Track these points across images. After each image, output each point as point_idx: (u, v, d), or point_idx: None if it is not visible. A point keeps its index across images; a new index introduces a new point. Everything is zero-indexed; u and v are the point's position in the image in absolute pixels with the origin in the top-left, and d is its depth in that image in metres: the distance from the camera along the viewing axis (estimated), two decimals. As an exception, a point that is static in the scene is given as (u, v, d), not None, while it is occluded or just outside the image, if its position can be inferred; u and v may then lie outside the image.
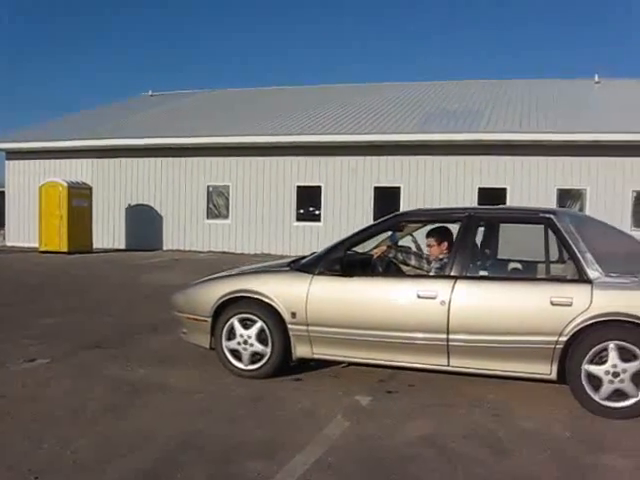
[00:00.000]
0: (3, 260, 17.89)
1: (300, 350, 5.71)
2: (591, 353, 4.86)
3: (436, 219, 6.41)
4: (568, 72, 45.95)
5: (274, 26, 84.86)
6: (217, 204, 20.84)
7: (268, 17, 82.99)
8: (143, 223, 21.15)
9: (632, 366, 4.75)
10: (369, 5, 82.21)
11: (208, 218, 20.76)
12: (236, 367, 5.85)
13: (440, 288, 5.29)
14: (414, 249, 6.63)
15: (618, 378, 4.78)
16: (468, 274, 5.40)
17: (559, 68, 72.60)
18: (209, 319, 5.94)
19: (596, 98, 21.55)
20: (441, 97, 22.88)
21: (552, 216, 5.43)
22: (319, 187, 19.49)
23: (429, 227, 6.45)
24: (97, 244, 20.60)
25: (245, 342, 5.79)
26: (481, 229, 6.06)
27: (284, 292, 5.73)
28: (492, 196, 17.61)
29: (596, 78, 24.23)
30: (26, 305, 9.70)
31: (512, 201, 17.54)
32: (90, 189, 20.53)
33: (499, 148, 17.67)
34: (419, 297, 5.31)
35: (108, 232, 21.59)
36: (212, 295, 5.99)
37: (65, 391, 5.39)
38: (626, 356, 4.77)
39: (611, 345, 4.80)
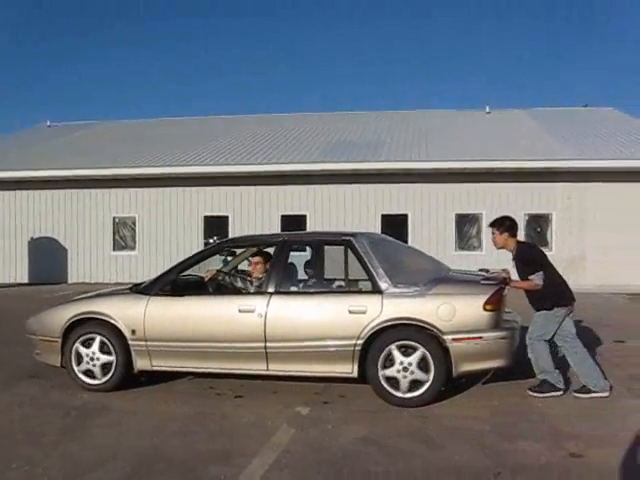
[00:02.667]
0: None
1: (140, 363, 6.38)
2: (382, 358, 5.75)
3: (256, 244, 7.43)
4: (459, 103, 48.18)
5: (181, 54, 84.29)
6: (123, 235, 20.77)
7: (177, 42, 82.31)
8: (47, 256, 20.75)
9: (414, 357, 5.69)
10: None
11: (114, 250, 20.63)
12: (88, 384, 6.43)
13: (258, 303, 6.08)
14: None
15: (408, 371, 5.70)
16: (281, 290, 6.21)
17: (451, 100, 75.70)
18: (59, 340, 6.53)
19: (486, 128, 22.95)
20: (342, 127, 23.73)
21: (351, 238, 6.36)
22: (226, 217, 19.82)
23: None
24: (-1, 279, 20.14)
25: (92, 359, 6.39)
26: (294, 252, 6.87)
27: (124, 312, 6.38)
28: (395, 222, 18.58)
29: (487, 109, 25.82)
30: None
31: (413, 226, 18.50)
32: (-9, 222, 20.07)
33: (400, 176, 18.58)
34: (240, 311, 6.07)
35: (10, 266, 21.08)
36: (61, 318, 6.59)
37: (18, 417, 5.62)
38: (408, 351, 5.71)
39: (393, 347, 5.73)
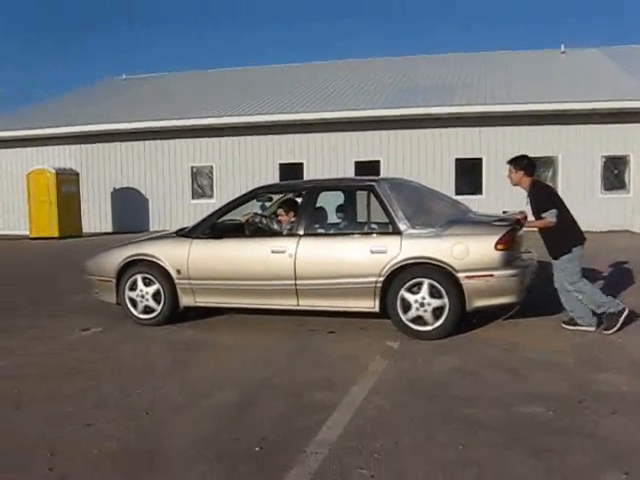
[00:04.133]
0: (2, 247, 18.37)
1: (185, 299, 7.04)
2: (407, 285, 6.17)
3: (287, 190, 8.07)
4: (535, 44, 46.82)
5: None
6: (201, 184, 21.39)
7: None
8: (129, 206, 21.63)
9: (436, 302, 6.09)
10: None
11: (193, 198, 21.30)
12: (140, 318, 7.16)
13: (288, 244, 6.59)
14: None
15: (423, 308, 6.11)
16: (310, 232, 6.72)
17: (527, 40, 73.58)
18: (114, 279, 7.21)
19: (562, 68, 22.46)
20: (413, 72, 23.59)
21: (374, 183, 6.77)
22: (301, 164, 20.15)
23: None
24: (85, 229, 21.07)
25: (142, 296, 7.11)
26: (322, 196, 7.19)
27: (170, 254, 7.04)
28: (468, 166, 18.59)
29: (562, 48, 25.17)
30: (49, 284, 10.35)
31: (487, 170, 18.46)
32: (77, 175, 20.94)
33: (473, 120, 18.50)
34: (272, 252, 6.61)
35: (95, 216, 22.05)
36: (115, 260, 7.28)
37: (131, 352, 6.17)
38: (435, 294, 6.10)
39: (425, 282, 6.12)
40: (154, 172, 21.61)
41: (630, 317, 6.32)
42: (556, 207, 6.28)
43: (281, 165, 20.31)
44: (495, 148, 18.38)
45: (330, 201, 7.61)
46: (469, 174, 18.75)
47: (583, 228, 6.45)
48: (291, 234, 6.77)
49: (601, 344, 5.91)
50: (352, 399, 4.56)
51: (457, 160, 18.87)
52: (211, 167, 21.11)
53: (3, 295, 9.52)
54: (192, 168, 21.31)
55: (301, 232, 6.67)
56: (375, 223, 7.01)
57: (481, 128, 18.63)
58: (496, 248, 6.02)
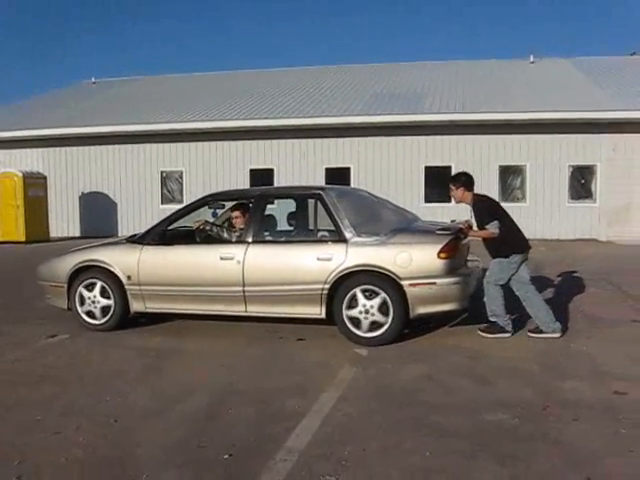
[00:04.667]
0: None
1: (136, 305, 7.14)
2: (346, 300, 6.33)
3: (237, 197, 8.10)
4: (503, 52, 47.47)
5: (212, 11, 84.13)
6: (171, 189, 21.30)
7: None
8: (98, 210, 21.43)
9: (376, 301, 6.25)
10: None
11: (163, 203, 21.16)
12: (90, 323, 7.23)
13: (237, 251, 6.71)
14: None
15: (369, 313, 6.26)
16: (258, 239, 6.81)
17: (495, 49, 74.67)
18: (65, 285, 7.28)
19: (531, 78, 22.78)
20: (385, 80, 23.75)
21: (321, 192, 6.92)
22: (271, 169, 20.15)
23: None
24: (53, 233, 20.83)
25: (93, 302, 7.18)
26: (270, 205, 7.42)
27: (121, 260, 7.12)
28: (438, 174, 18.74)
29: (531, 58, 25.53)
30: (15, 290, 10.24)
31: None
32: (45, 178, 20.68)
33: (443, 128, 18.69)
34: (221, 259, 6.71)
35: (63, 221, 21.82)
36: (67, 265, 7.35)
37: (100, 359, 6.14)
38: (371, 296, 6.27)
39: (358, 290, 6.29)
40: (123, 176, 21.47)
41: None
42: (499, 218, 6.50)
43: (252, 171, 20.30)
44: (464, 156, 18.59)
45: (282, 209, 7.81)
46: (438, 182, 18.91)
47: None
48: (240, 241, 6.89)
49: (566, 352, 6.02)
50: (321, 406, 4.60)
51: (426, 168, 19.04)
52: (181, 172, 21.03)
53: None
54: (162, 173, 21.21)
55: (249, 239, 6.78)
56: (322, 231, 7.17)
57: (450, 136, 18.82)
58: (439, 256, 6.19)
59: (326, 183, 19.15)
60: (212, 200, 7.96)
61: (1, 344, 6.74)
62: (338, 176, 19.09)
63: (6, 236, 19.60)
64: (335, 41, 79.01)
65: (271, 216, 7.54)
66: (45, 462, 3.80)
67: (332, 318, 6.47)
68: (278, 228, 7.70)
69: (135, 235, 7.69)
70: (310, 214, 7.40)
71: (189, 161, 20.91)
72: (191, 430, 4.23)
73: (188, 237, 7.29)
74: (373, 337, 6.29)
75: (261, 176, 19.76)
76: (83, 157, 21.77)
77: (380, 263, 6.25)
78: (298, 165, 19.90)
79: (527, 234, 6.77)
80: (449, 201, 18.19)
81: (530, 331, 6.60)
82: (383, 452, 3.83)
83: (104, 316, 7.16)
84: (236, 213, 7.48)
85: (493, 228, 6.42)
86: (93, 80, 30.01)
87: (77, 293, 7.23)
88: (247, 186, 20.04)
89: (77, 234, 21.58)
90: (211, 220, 7.76)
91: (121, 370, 5.68)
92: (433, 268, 6.18)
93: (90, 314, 7.22)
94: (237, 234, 7.15)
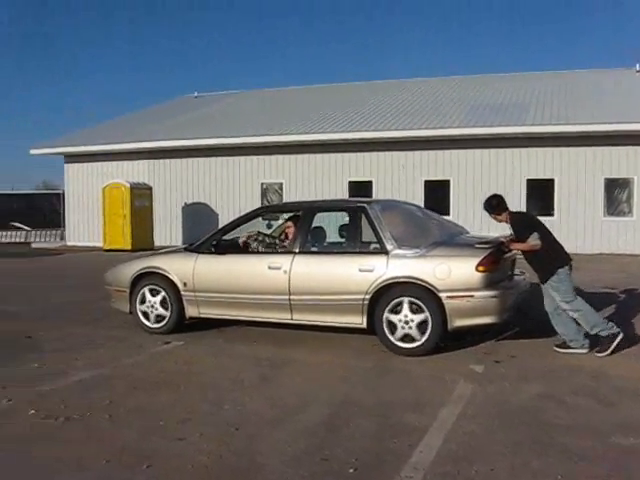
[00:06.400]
0: (79, 258, 19.00)
1: (191, 310, 7.55)
2: (390, 305, 6.46)
3: (286, 210, 8.66)
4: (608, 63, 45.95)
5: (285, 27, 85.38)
6: (271, 200, 21.62)
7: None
8: (200, 220, 21.93)
9: (418, 317, 6.35)
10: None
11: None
12: (149, 327, 7.72)
13: (284, 261, 6.99)
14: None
15: (408, 325, 6.37)
16: (304, 250, 7.07)
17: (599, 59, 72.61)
18: (127, 290, 7.80)
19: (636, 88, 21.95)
20: (484, 91, 23.41)
21: (365, 205, 7.09)
22: (370, 182, 20.17)
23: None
24: (157, 242, 21.50)
25: (152, 306, 7.66)
26: (318, 216, 7.57)
27: (178, 267, 7.55)
28: (540, 186, 18.29)
29: (637, 67, 24.58)
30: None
31: (560, 190, 18.14)
32: (150, 189, 21.46)
33: (546, 140, 18.23)
34: (269, 268, 7.02)
35: (166, 230, 22.51)
36: (129, 272, 7.88)
37: (214, 366, 6.28)
38: (415, 309, 6.37)
39: (405, 300, 6.41)
40: (225, 188, 21.97)
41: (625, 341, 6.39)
42: (537, 230, 6.49)
43: (350, 182, 20.36)
44: (568, 168, 18.07)
45: (331, 221, 8.07)
46: (539, 194, 18.47)
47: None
48: (287, 251, 7.17)
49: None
50: (442, 422, 4.54)
51: (528, 181, 18.60)
52: (281, 184, 21.34)
53: (79, 304, 9.81)
54: (262, 184, 21.57)
55: (296, 250, 7.05)
56: (366, 243, 7.22)
57: (553, 148, 18.34)
58: (477, 269, 6.24)
59: (425, 196, 19.11)
60: (264, 212, 8.48)
61: (119, 349, 6.99)
62: (437, 188, 18.96)
63: (113, 244, 20.41)
64: (433, 54, 78.55)
65: (320, 228, 7.81)
66: (172, 468, 3.89)
67: (373, 327, 6.62)
68: (327, 240, 7.93)
69: (192, 244, 8.04)
70: (355, 227, 7.41)
71: (289, 173, 21.19)
72: (312, 441, 4.25)
73: (239, 247, 7.62)
74: (405, 348, 6.44)
75: (359, 188, 19.82)
76: (187, 168, 22.42)
77: (419, 275, 6.37)
78: (397, 177, 19.84)
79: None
80: (552, 215, 17.90)
81: (557, 345, 6.56)
82: (511, 471, 3.74)
83: (161, 320, 7.63)
84: (289, 224, 7.79)
85: (533, 240, 6.41)
86: (195, 94, 30.90)
87: (138, 297, 7.72)
88: (346, 196, 20.16)
89: (179, 242, 22.17)
90: (264, 231, 8.09)
91: (237, 379, 5.78)
92: (471, 281, 6.25)
93: (147, 316, 7.71)
94: (284, 245, 7.48)
